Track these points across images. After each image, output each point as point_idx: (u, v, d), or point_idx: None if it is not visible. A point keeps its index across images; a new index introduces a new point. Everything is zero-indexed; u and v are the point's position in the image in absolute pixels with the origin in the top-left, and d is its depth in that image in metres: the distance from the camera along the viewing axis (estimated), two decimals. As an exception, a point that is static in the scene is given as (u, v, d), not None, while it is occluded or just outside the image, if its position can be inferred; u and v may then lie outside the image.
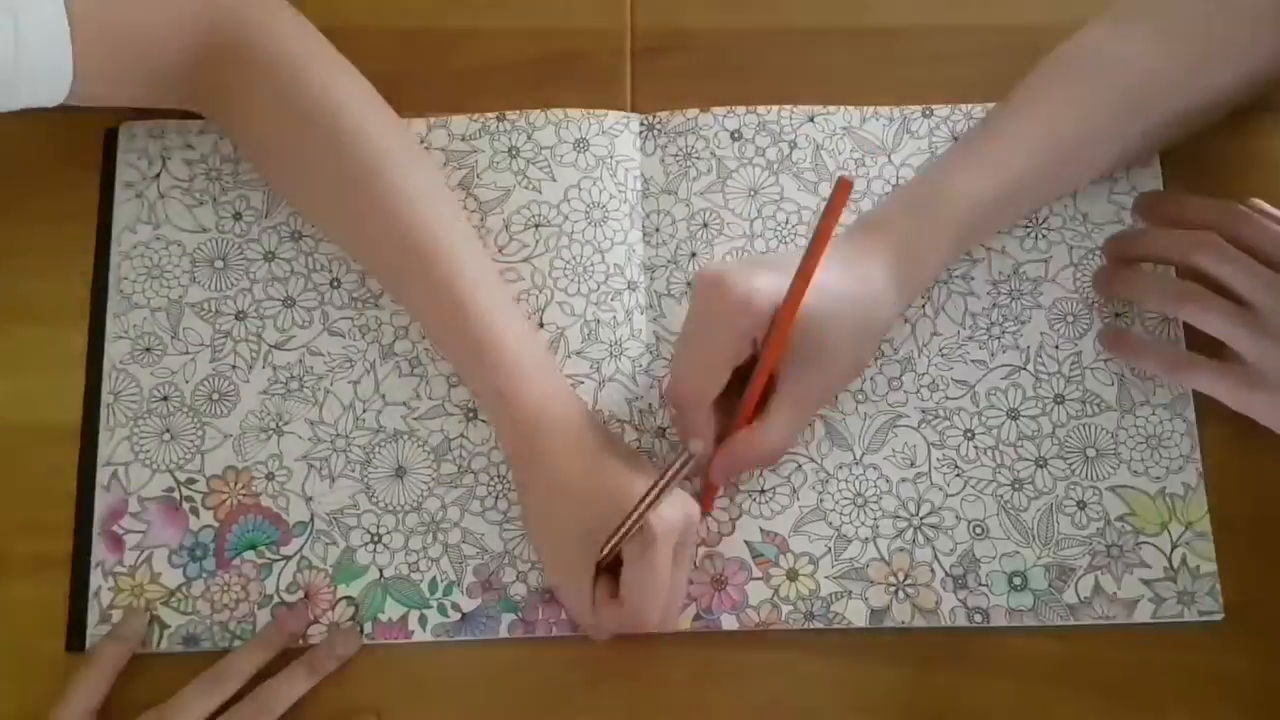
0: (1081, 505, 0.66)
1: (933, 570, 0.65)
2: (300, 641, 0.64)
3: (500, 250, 0.70)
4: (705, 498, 0.65)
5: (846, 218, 0.70)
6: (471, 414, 0.67)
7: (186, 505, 0.66)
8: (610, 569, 0.61)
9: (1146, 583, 0.65)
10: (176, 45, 0.65)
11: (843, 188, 0.53)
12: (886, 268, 0.62)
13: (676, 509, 0.60)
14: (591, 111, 0.72)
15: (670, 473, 0.56)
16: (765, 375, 0.60)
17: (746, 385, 0.61)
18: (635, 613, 0.60)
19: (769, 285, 0.59)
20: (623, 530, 0.58)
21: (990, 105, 0.72)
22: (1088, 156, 0.66)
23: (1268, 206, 0.65)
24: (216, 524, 0.66)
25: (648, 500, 0.57)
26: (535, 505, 0.63)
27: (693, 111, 0.72)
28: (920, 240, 0.64)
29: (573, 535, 0.60)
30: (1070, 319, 0.69)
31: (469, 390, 0.67)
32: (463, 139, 0.72)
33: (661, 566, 0.59)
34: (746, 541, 0.66)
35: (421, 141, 0.72)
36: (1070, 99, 0.65)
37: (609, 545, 0.59)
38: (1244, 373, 0.63)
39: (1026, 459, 0.67)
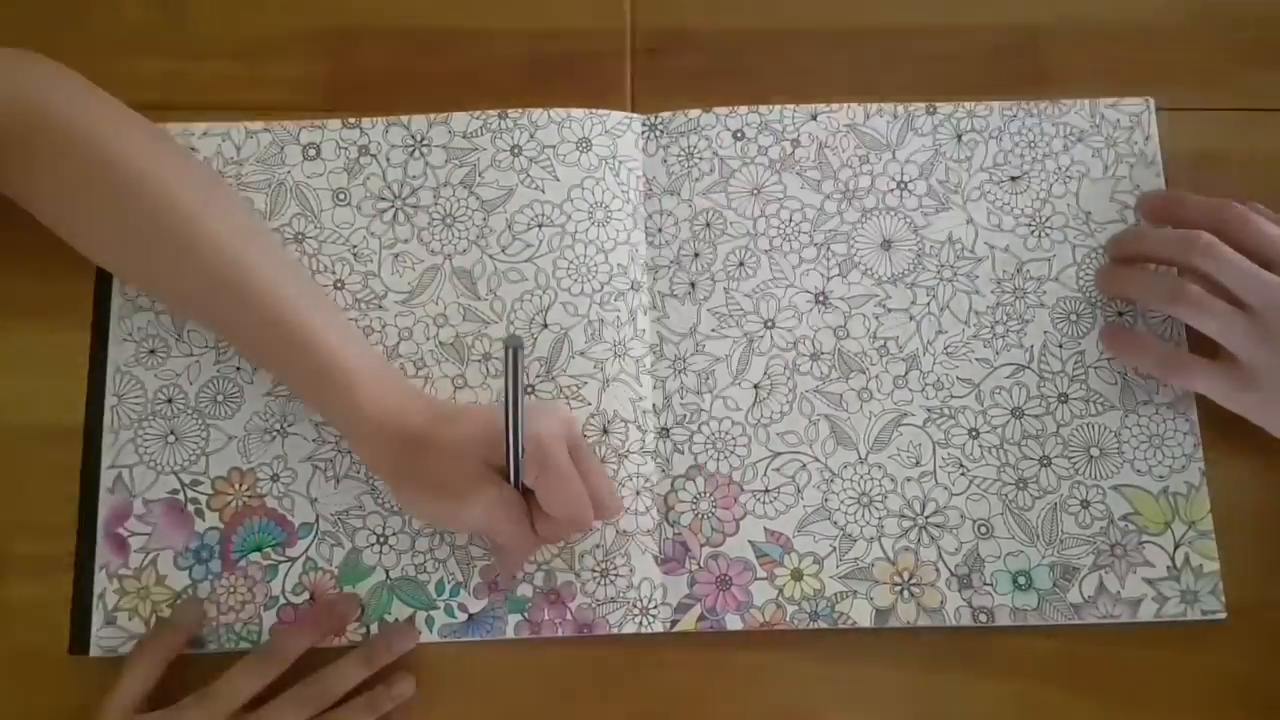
0: (1085, 504, 0.66)
1: (937, 570, 0.65)
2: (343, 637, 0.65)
3: (503, 250, 0.70)
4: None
5: (845, 212, 0.70)
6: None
7: (191, 507, 0.66)
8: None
9: (1150, 582, 0.65)
10: None
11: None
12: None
13: (550, 417, 0.62)
14: (594, 111, 0.72)
15: (510, 373, 0.59)
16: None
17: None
18: (563, 519, 0.61)
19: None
20: (512, 453, 0.60)
21: (992, 104, 0.72)
22: None
23: (1266, 210, 0.65)
24: (222, 526, 0.66)
25: (511, 416, 0.60)
26: (421, 483, 0.62)
27: (695, 111, 0.72)
28: None
29: (481, 480, 0.61)
30: (1074, 318, 0.69)
31: (315, 410, 0.67)
32: (464, 136, 0.72)
33: (563, 467, 0.60)
34: (751, 541, 0.66)
35: (421, 139, 0.71)
36: None
37: (510, 474, 0.61)
38: (1238, 373, 0.63)
39: (1031, 458, 0.67)
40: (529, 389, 0.67)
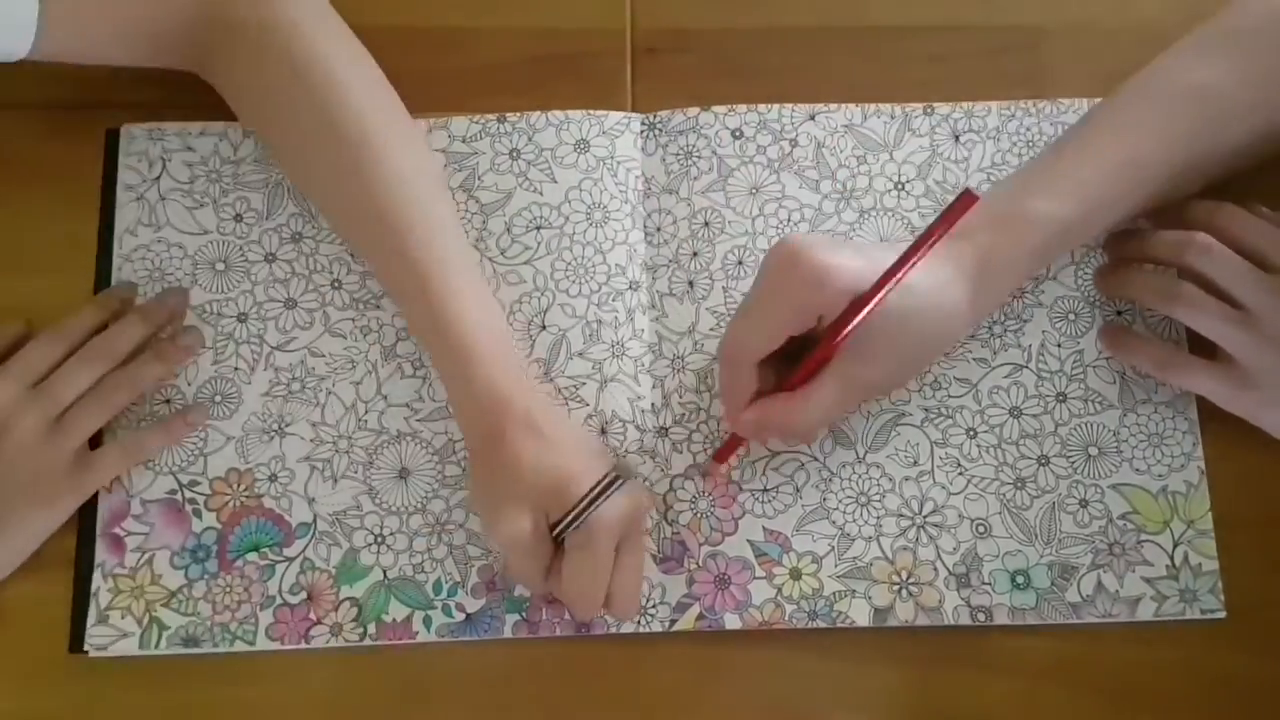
0: (1084, 503, 0.66)
1: (936, 569, 0.65)
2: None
3: (503, 253, 0.70)
4: (724, 450, 0.65)
5: (843, 212, 0.70)
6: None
7: (189, 507, 0.66)
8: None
9: (1149, 581, 0.65)
10: (184, 6, 0.66)
11: (966, 201, 0.53)
12: (966, 280, 0.61)
13: (623, 502, 0.60)
14: (592, 112, 0.72)
15: (596, 491, 0.59)
16: (826, 355, 0.59)
17: (802, 357, 0.60)
18: (571, 598, 0.60)
19: (848, 266, 0.58)
20: (567, 521, 0.59)
21: (990, 104, 0.72)
22: (1168, 180, 0.65)
23: (1266, 210, 0.65)
24: (219, 526, 0.66)
25: (586, 502, 0.59)
26: (486, 477, 0.62)
27: (693, 110, 0.72)
28: (1000, 257, 0.62)
29: (525, 513, 0.60)
30: (1072, 317, 0.69)
31: (429, 359, 0.67)
32: (463, 140, 0.72)
33: (600, 559, 0.59)
34: (749, 540, 0.66)
35: (422, 142, 0.72)
36: (1152, 125, 0.65)
37: (556, 531, 0.60)
38: (1235, 373, 0.63)
39: (1029, 457, 0.67)
40: None
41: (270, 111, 0.68)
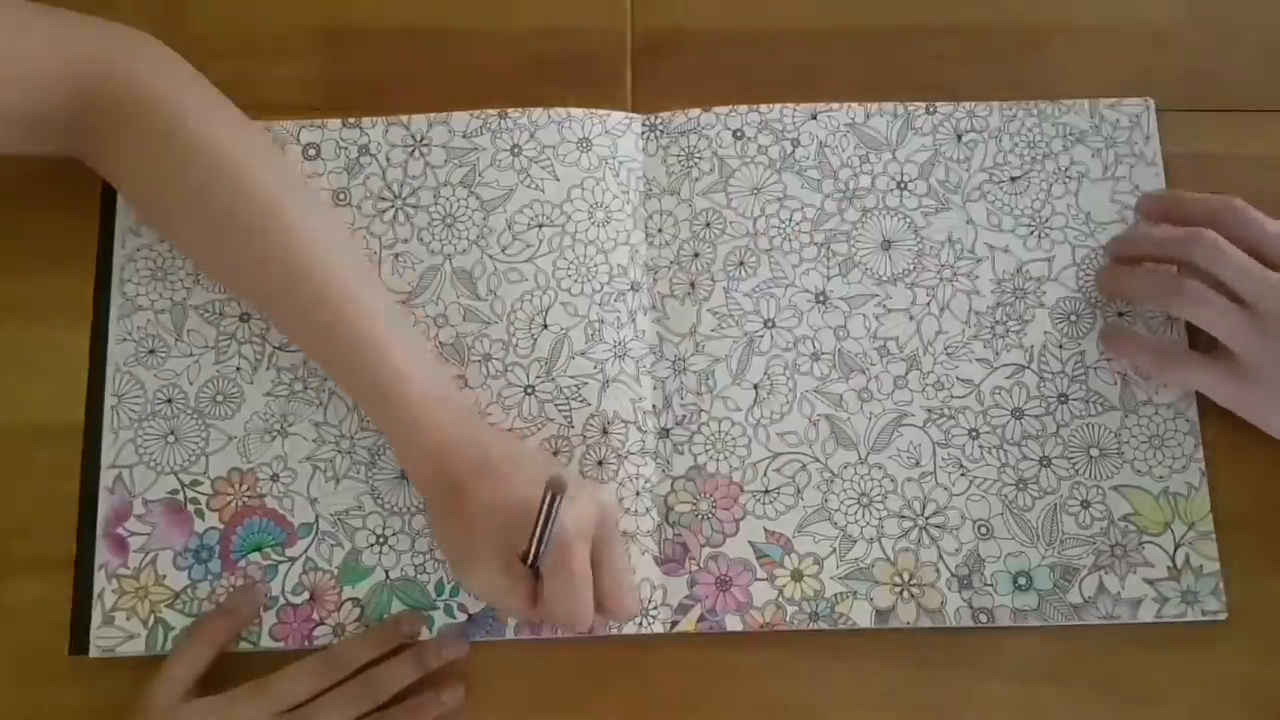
0: (1085, 505, 0.66)
1: (938, 570, 0.65)
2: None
3: (503, 250, 0.70)
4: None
5: (845, 212, 0.70)
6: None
7: (191, 507, 0.66)
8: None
9: (1150, 582, 0.65)
10: (62, 91, 0.63)
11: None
12: None
13: (585, 509, 0.59)
14: (594, 111, 0.72)
15: (541, 516, 0.55)
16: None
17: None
18: (560, 620, 0.59)
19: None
20: (531, 553, 0.57)
21: (991, 104, 0.72)
22: None
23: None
24: (221, 526, 0.66)
25: (539, 529, 0.56)
26: (448, 528, 0.62)
27: (695, 111, 0.72)
28: None
29: (493, 558, 0.59)
30: (1073, 318, 0.69)
31: (371, 422, 0.66)
32: (463, 136, 0.72)
33: (577, 576, 0.58)
34: (751, 542, 0.66)
35: (421, 139, 0.71)
36: None
37: (528, 564, 0.58)
38: (1235, 368, 0.63)
39: (1031, 458, 0.67)
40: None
41: (165, 200, 0.66)
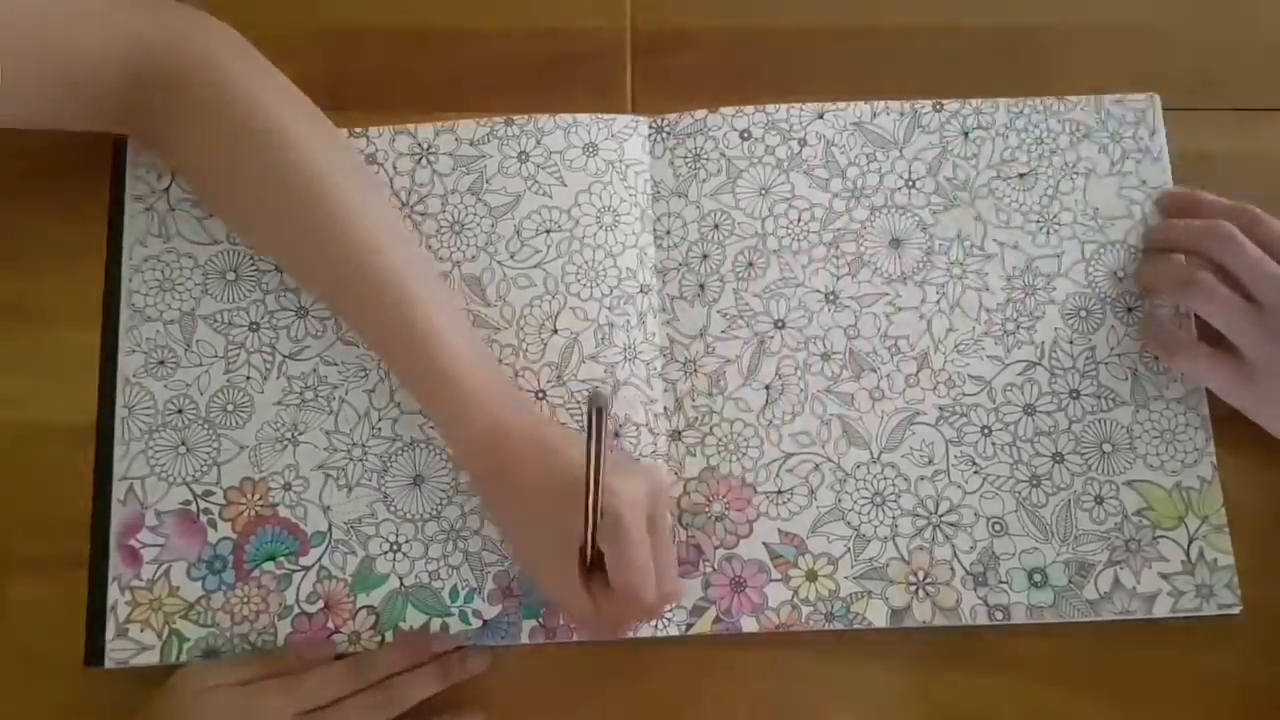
0: (1099, 500, 0.66)
1: (952, 568, 0.65)
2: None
3: (512, 256, 0.70)
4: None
5: (854, 210, 0.70)
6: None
7: (204, 518, 0.66)
8: (599, 565, 0.60)
9: (1165, 577, 0.65)
10: (112, 68, 0.63)
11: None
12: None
13: (636, 482, 0.59)
14: (600, 115, 0.72)
15: (593, 435, 0.52)
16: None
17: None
18: (632, 595, 0.58)
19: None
20: (588, 520, 0.57)
21: (998, 100, 0.72)
22: None
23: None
24: (235, 536, 0.66)
25: (592, 476, 0.54)
26: (511, 525, 0.63)
27: (701, 112, 0.72)
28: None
29: (549, 542, 0.60)
30: (1084, 314, 0.69)
31: (419, 402, 0.66)
32: (470, 143, 0.72)
33: (638, 542, 0.57)
34: (765, 543, 0.66)
35: (429, 147, 0.71)
36: None
37: (586, 540, 0.58)
38: (1239, 366, 0.64)
39: (1043, 455, 0.67)
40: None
41: (227, 181, 0.66)
